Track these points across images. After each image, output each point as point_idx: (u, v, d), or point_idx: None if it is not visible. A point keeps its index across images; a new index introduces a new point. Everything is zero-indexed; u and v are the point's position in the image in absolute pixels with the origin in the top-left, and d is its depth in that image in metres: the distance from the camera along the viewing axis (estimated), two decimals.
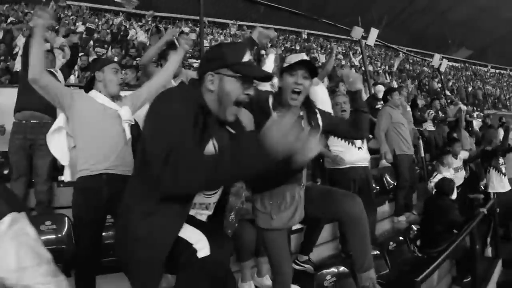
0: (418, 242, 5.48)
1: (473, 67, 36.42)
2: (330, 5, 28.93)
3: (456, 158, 6.72)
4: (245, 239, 3.20)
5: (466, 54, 40.16)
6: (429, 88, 14.37)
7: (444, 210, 5.18)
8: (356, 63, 15.15)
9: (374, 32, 9.74)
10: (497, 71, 40.65)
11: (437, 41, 36.03)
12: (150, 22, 14.39)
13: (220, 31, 20.31)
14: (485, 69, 38.45)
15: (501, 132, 11.21)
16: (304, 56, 2.33)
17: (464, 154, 7.10)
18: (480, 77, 29.67)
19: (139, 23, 15.93)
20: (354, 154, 4.45)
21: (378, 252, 4.60)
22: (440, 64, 12.94)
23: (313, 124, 2.41)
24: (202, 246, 1.59)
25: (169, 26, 16.91)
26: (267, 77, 1.82)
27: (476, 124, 11.51)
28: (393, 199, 6.05)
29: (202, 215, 1.88)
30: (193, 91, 1.73)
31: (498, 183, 6.69)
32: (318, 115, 2.49)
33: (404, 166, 5.73)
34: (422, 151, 7.70)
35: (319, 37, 27.32)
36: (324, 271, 3.72)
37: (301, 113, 2.41)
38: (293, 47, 19.75)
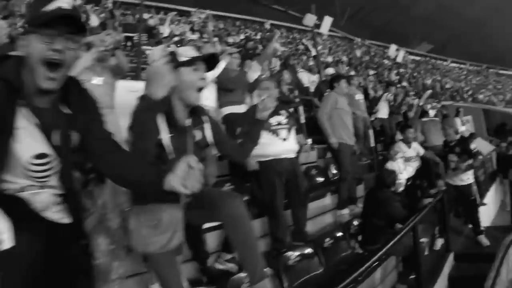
0: (359, 238, 5.07)
1: (434, 61, 37.15)
2: None
3: (410, 147, 6.30)
4: None
5: (427, 48, 41.23)
6: (387, 80, 14.29)
7: (383, 202, 4.75)
8: (314, 53, 14.91)
9: (327, 20, 9.44)
10: (457, 65, 41.83)
11: (399, 35, 36.54)
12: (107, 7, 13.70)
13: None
14: (445, 63, 39.38)
15: (458, 121, 11.31)
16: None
17: (418, 148, 6.59)
18: (439, 71, 30.20)
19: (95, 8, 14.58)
20: (279, 145, 4.13)
21: (312, 250, 4.21)
22: (397, 55, 12.87)
23: (200, 138, 2.25)
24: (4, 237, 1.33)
25: (129, 12, 16.10)
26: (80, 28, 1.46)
27: (432, 113, 11.46)
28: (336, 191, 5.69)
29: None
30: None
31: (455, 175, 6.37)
32: (207, 126, 2.31)
33: (345, 156, 5.40)
34: (373, 141, 7.50)
35: (282, 27, 27.00)
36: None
37: (187, 123, 2.19)
38: (255, 36, 19.36)
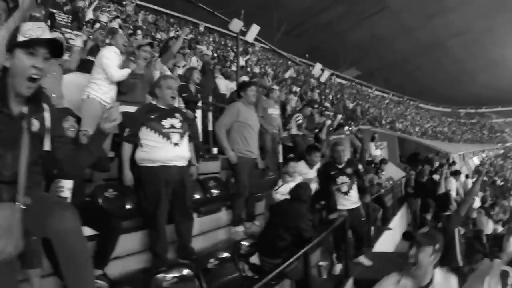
0: (252, 259, 4.63)
1: (359, 86, 38.62)
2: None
3: (312, 168, 6.00)
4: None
5: (355, 74, 42.85)
6: (310, 98, 14.33)
7: (296, 216, 4.40)
8: (242, 62, 14.60)
9: (255, 29, 9.15)
10: (380, 93, 44.01)
11: (330, 57, 37.77)
12: None
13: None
14: (370, 90, 41.19)
15: (372, 145, 11.52)
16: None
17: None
18: (362, 96, 31.37)
19: None
20: (170, 151, 3.73)
21: (190, 272, 3.67)
22: (321, 75, 12.93)
23: (38, 126, 1.83)
24: None
25: None
26: None
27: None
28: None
29: None
30: None
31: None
32: (47, 114, 1.90)
33: (243, 171, 5.02)
34: (281, 156, 7.29)
35: (215, 32, 26.66)
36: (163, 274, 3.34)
37: (24, 110, 1.79)
38: (186, 37, 18.81)
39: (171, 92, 3.88)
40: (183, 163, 3.89)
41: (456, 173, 12.41)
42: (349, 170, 5.61)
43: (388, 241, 7.06)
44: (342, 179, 5.56)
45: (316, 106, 10.58)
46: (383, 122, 21.30)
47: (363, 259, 5.71)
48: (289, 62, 23.52)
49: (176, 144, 3.75)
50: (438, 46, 47.89)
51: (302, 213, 4.48)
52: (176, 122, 3.81)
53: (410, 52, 45.81)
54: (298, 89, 14.94)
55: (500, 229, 8.90)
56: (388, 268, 3.35)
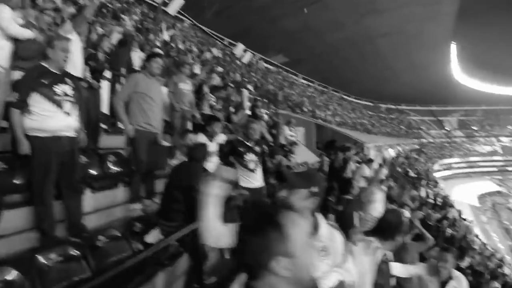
0: (147, 238, 4.42)
1: (285, 73, 39.11)
2: None
3: (211, 141, 5.72)
4: None
5: (282, 60, 43.35)
6: (233, 80, 14.21)
7: (188, 175, 4.19)
8: (166, 37, 14.08)
9: (178, 2, 8.86)
10: (306, 82, 45.07)
11: (259, 41, 37.84)
12: None
13: None
14: (296, 77, 41.96)
15: (286, 128, 11.73)
16: None
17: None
18: (288, 83, 31.80)
19: None
20: (61, 120, 3.51)
21: (78, 252, 3.50)
22: (243, 56, 12.86)
23: None
24: None
25: None
26: None
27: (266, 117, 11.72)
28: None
29: None
30: None
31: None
32: None
33: (140, 145, 4.86)
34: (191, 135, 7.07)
35: (144, 3, 25.53)
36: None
37: None
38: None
39: (65, 54, 3.60)
40: (74, 134, 3.66)
41: (369, 161, 13.00)
42: (257, 149, 5.49)
43: None
44: (251, 156, 5.39)
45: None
46: (305, 109, 21.75)
47: None
48: (217, 43, 23.30)
49: (67, 113, 3.52)
50: (367, 43, 49.46)
51: (195, 172, 4.27)
52: (68, 89, 3.57)
53: (339, 45, 47.02)
54: (221, 69, 14.83)
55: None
56: None
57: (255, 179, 5.37)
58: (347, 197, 5.74)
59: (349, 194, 6.82)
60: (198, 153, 4.54)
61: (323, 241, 2.15)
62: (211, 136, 5.72)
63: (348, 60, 52.80)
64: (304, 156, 12.70)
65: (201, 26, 27.87)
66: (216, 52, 16.99)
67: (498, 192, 71.15)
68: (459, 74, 75.04)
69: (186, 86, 7.00)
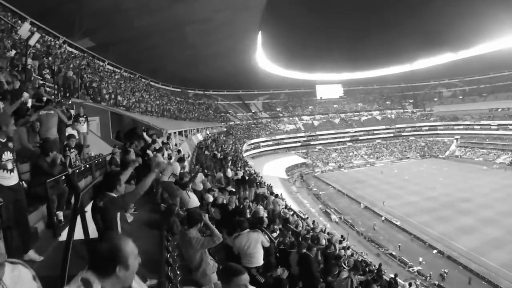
0: None
1: (91, 59, 37.39)
2: None
3: None
4: None
5: (88, 45, 41.42)
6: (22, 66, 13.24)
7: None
8: None
9: None
10: (112, 68, 43.93)
11: (66, 23, 35.63)
12: None
13: None
14: (102, 64, 40.53)
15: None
16: None
17: None
18: (93, 69, 30.57)
19: None
20: None
21: None
22: (30, 37, 12.01)
23: None
24: None
25: None
26: None
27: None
28: None
29: None
30: None
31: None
32: None
33: None
34: None
35: None
36: None
37: None
38: None
39: None
40: None
41: (159, 150, 13.48)
42: (11, 145, 4.98)
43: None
44: (7, 155, 4.90)
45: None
46: (106, 96, 21.38)
47: (33, 255, 4.96)
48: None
49: None
50: (176, 30, 50.39)
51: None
52: None
53: (149, 30, 46.92)
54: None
55: (211, 198, 10.07)
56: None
57: (11, 179, 4.97)
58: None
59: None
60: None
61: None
62: None
63: (157, 46, 53.50)
64: (99, 148, 12.35)
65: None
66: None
67: (304, 164, 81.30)
68: (264, 60, 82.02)
69: None
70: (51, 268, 4.18)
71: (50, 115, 8.39)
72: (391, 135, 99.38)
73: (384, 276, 16.47)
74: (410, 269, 31.55)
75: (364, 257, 27.25)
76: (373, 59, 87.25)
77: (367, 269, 15.20)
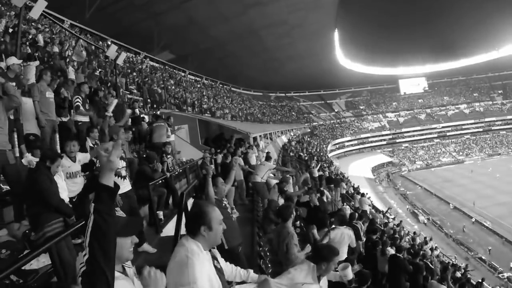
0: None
1: (172, 70, 38.71)
2: None
3: (75, 161, 5.23)
4: None
5: (168, 57, 42.95)
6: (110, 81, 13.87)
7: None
8: (41, 41, 13.25)
9: (41, 4, 8.66)
10: (193, 78, 45.16)
11: (145, 39, 37.20)
12: None
13: None
14: (183, 74, 41.83)
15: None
16: None
17: (85, 160, 5.54)
18: (175, 80, 31.49)
19: None
20: None
21: None
22: (117, 57, 12.63)
23: None
24: None
25: None
26: None
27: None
28: None
29: None
30: None
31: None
32: None
33: None
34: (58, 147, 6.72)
35: None
36: None
37: None
38: None
39: None
40: None
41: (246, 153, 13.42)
42: (122, 153, 5.38)
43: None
44: (121, 163, 5.27)
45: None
46: (189, 108, 21.76)
47: (147, 247, 5.27)
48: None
49: None
50: (252, 35, 50.71)
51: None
52: None
53: (225, 39, 47.66)
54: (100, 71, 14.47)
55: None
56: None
57: (125, 184, 5.37)
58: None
59: None
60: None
61: None
62: (70, 157, 5.23)
63: (234, 52, 53.95)
64: (189, 153, 12.97)
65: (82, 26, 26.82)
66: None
67: (390, 163, 78.11)
68: (343, 58, 79.79)
69: (50, 95, 6.62)
70: (158, 259, 4.86)
71: (161, 126, 10.21)
72: (481, 129, 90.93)
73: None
74: (500, 275, 28.48)
75: (453, 260, 25.33)
76: (457, 47, 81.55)
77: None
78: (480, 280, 15.29)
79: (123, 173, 5.41)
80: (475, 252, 33.45)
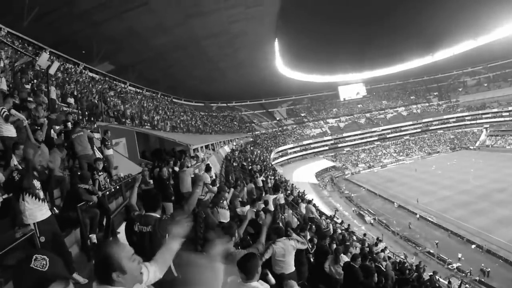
0: None
1: (112, 81, 38.13)
2: None
3: None
4: None
5: (108, 68, 42.33)
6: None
7: None
8: None
9: None
10: (134, 89, 44.60)
11: (84, 49, 36.47)
12: None
13: None
14: (124, 85, 41.23)
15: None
16: None
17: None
18: (115, 92, 30.99)
19: None
20: None
21: None
22: (50, 66, 12.29)
23: None
24: None
25: None
26: None
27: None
28: None
29: None
30: None
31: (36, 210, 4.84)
32: None
33: None
34: None
35: None
36: None
37: None
38: None
39: None
40: None
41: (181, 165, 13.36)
42: (36, 173, 4.98)
43: None
44: (37, 184, 4.87)
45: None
46: (128, 121, 21.54)
47: (77, 277, 4.93)
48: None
49: None
50: (194, 45, 50.69)
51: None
52: None
53: (166, 49, 47.48)
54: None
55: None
56: None
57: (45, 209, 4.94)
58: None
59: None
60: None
61: None
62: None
63: (176, 63, 53.81)
64: (127, 168, 12.42)
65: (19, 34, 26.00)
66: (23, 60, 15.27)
67: (334, 167, 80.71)
68: (284, 67, 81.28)
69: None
70: None
71: (81, 136, 9.03)
72: (419, 130, 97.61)
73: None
74: (450, 266, 30.74)
75: (402, 258, 26.73)
76: (393, 54, 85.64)
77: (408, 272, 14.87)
78: (431, 273, 16.13)
79: (41, 194, 4.83)
80: (423, 246, 35.72)
